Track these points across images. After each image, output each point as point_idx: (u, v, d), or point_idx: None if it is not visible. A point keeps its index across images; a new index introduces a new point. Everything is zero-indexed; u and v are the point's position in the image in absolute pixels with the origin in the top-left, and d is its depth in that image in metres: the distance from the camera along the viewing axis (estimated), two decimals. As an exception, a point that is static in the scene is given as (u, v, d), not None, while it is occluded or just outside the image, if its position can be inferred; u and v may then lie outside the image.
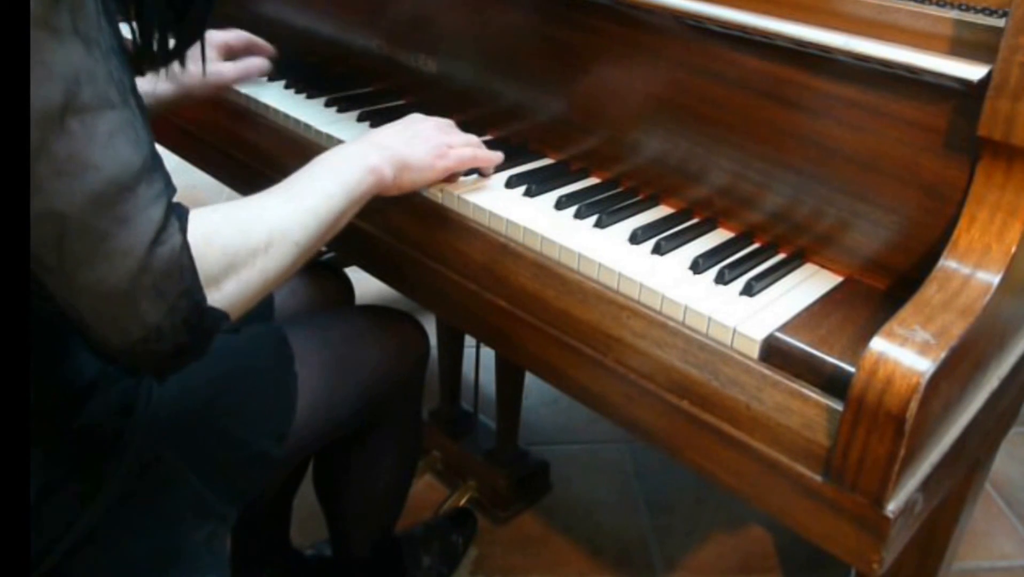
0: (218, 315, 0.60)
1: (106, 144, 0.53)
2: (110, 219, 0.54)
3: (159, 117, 1.04)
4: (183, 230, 0.57)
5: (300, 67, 1.18)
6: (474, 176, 0.90)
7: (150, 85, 0.96)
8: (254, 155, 1.08)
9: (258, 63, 1.08)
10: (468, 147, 0.88)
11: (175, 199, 0.59)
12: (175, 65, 0.72)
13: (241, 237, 0.63)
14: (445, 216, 0.87)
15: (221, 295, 0.60)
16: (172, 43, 0.69)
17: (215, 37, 1.08)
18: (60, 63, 0.51)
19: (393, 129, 0.84)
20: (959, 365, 0.62)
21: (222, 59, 1.07)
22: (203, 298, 0.59)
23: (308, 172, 0.73)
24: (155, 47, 0.67)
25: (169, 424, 0.74)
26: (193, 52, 0.73)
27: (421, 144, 0.83)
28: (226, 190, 1.21)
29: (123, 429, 0.71)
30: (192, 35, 0.71)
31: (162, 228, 0.56)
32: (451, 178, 0.88)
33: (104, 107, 0.53)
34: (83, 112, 0.52)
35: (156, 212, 0.56)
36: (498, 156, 0.91)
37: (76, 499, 0.69)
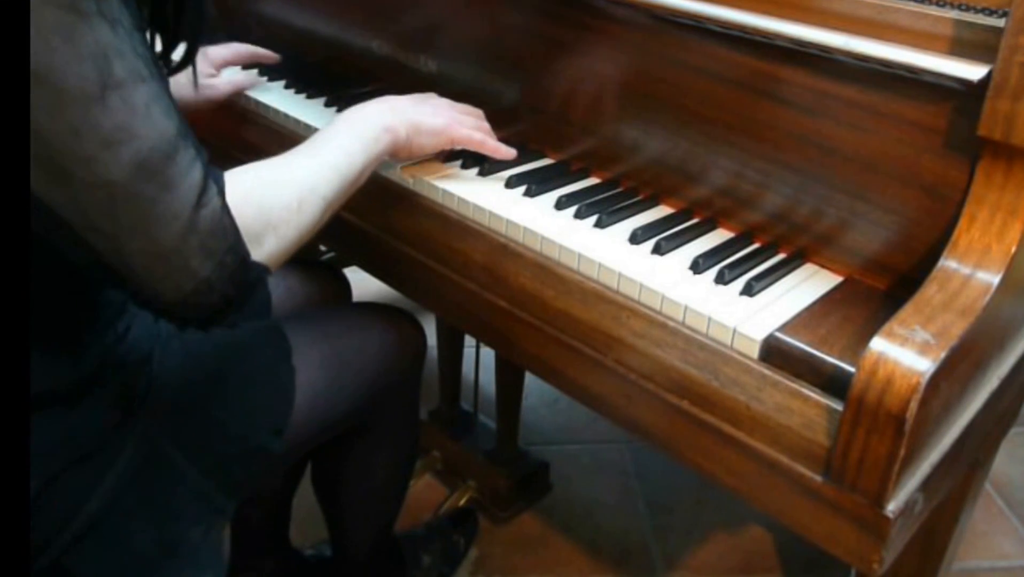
0: (260, 268, 0.66)
1: (145, 114, 0.57)
2: (156, 185, 0.57)
3: None
4: (221, 192, 0.62)
5: (300, 67, 1.18)
6: (490, 182, 0.91)
7: None
8: (255, 155, 1.08)
9: (252, 79, 1.12)
10: (479, 131, 0.92)
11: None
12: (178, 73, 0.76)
13: (276, 197, 0.68)
14: (445, 216, 0.87)
15: (263, 250, 0.66)
16: (165, 49, 0.72)
17: (213, 53, 1.10)
18: (90, 43, 0.54)
19: (409, 98, 0.90)
20: (959, 365, 0.62)
21: (216, 74, 1.09)
22: (247, 253, 0.64)
23: (330, 131, 0.79)
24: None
25: (168, 417, 0.74)
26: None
27: (433, 114, 0.88)
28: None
29: (120, 421, 0.71)
30: (185, 43, 0.73)
31: (203, 191, 0.60)
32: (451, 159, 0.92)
33: (137, 80, 0.56)
34: (120, 87, 0.55)
35: (195, 176, 0.60)
36: (509, 151, 0.93)
37: (77, 491, 0.69)
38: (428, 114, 0.88)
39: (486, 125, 0.94)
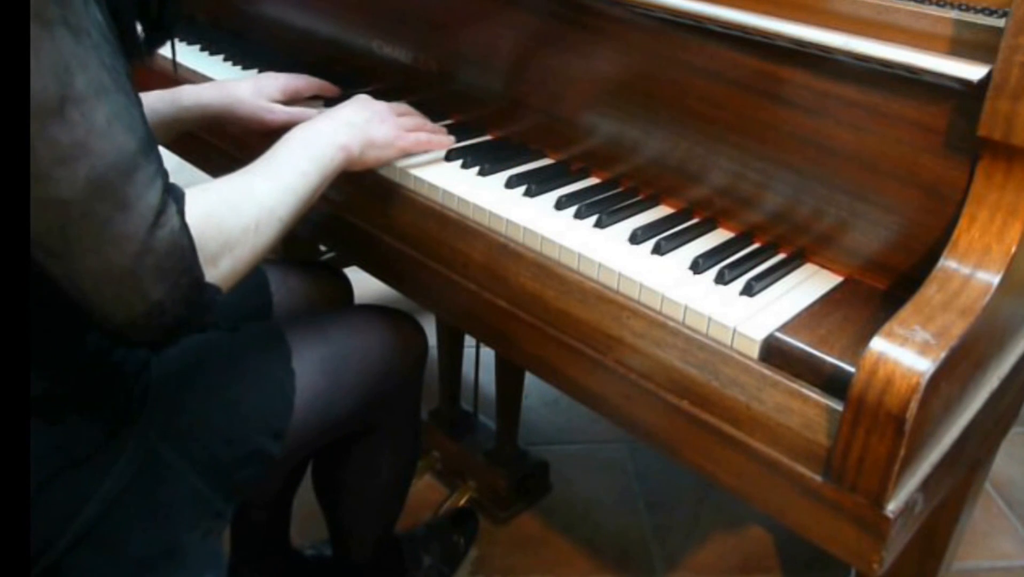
0: (213, 290, 0.64)
1: (105, 131, 0.55)
2: (111, 204, 0.56)
3: (200, 129, 1.03)
4: (180, 212, 0.60)
5: (300, 67, 1.18)
6: (427, 156, 0.94)
7: (195, 93, 0.96)
8: (254, 156, 1.08)
9: (312, 114, 1.02)
10: (423, 131, 0.94)
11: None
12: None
13: (235, 218, 0.66)
14: (445, 216, 0.87)
15: (218, 271, 0.64)
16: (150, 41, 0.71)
17: (281, 79, 1.05)
18: (51, 55, 0.52)
19: (353, 108, 0.88)
20: (959, 365, 0.62)
21: (282, 100, 1.03)
22: (202, 275, 0.62)
23: (284, 150, 0.78)
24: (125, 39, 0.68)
25: (166, 420, 0.74)
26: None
27: (380, 124, 0.88)
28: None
29: (119, 424, 0.71)
30: (162, 29, 0.72)
31: (160, 211, 0.58)
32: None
33: (100, 94, 0.55)
34: (81, 101, 0.54)
35: (154, 196, 0.58)
36: (449, 139, 0.96)
37: (74, 494, 0.69)
38: (376, 125, 0.87)
39: (426, 121, 0.96)
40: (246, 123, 1.00)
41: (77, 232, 0.55)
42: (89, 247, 0.55)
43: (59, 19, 0.52)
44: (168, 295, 0.59)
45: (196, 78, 1.17)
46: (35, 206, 0.54)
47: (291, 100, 1.05)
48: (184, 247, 0.60)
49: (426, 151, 0.93)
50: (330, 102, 1.09)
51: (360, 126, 0.85)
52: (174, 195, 0.60)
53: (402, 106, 0.96)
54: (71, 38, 0.53)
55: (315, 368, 0.85)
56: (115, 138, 0.55)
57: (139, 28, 0.70)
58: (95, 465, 0.70)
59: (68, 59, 0.53)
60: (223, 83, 1.03)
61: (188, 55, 1.24)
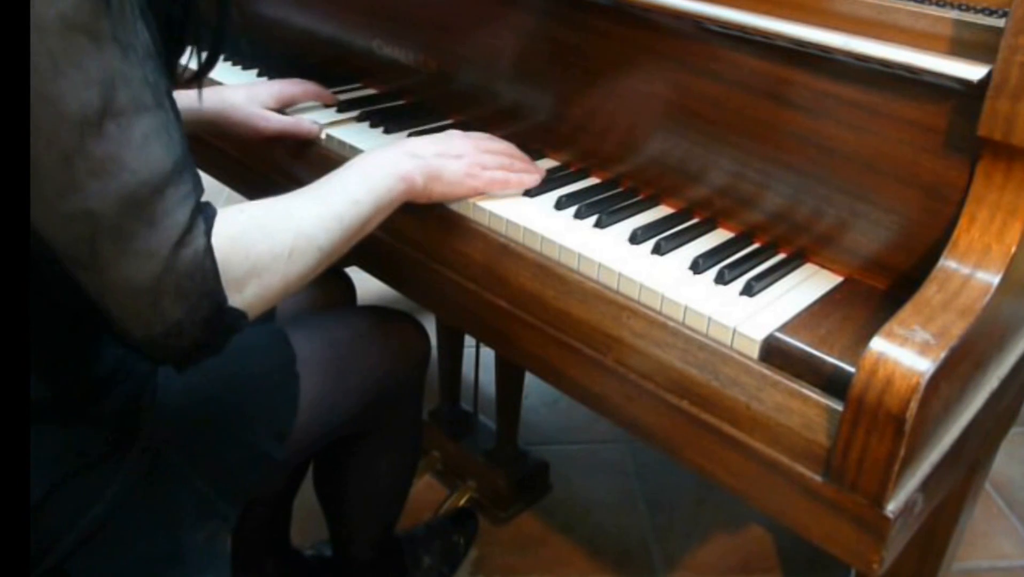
0: (237, 315, 0.62)
1: (141, 146, 0.55)
2: (139, 220, 0.55)
3: (196, 135, 1.03)
4: (207, 233, 0.59)
5: (300, 67, 1.18)
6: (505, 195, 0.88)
7: (190, 97, 0.96)
8: (255, 155, 1.08)
9: (308, 126, 1.01)
10: (501, 170, 0.87)
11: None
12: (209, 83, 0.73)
13: (267, 242, 0.64)
14: (445, 216, 0.87)
15: (242, 297, 0.62)
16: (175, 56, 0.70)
17: (275, 86, 1.05)
18: (98, 68, 0.52)
19: (429, 139, 0.85)
20: (959, 365, 0.62)
21: (276, 107, 1.03)
22: (224, 299, 0.60)
23: (339, 176, 0.75)
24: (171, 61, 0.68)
25: (172, 423, 0.74)
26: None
27: (454, 160, 0.84)
28: (226, 190, 1.21)
29: (125, 427, 0.71)
30: (207, 52, 0.72)
31: (187, 230, 0.57)
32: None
33: (140, 110, 0.55)
34: (120, 115, 0.54)
35: (182, 215, 0.57)
36: (532, 179, 0.89)
37: (80, 497, 0.69)
38: (450, 159, 0.83)
39: (516, 153, 0.90)
40: (240, 129, 0.99)
41: (104, 245, 0.55)
42: (113, 260, 0.55)
43: (109, 34, 0.52)
44: (187, 316, 0.58)
45: (196, 78, 1.17)
46: (65, 217, 0.54)
47: (286, 107, 1.05)
48: (207, 269, 0.58)
49: (503, 189, 0.87)
50: (271, 71, 1.09)
51: (427, 158, 0.82)
52: (205, 215, 0.59)
53: (491, 141, 0.90)
54: (119, 53, 0.53)
55: (319, 371, 0.85)
56: (150, 155, 0.55)
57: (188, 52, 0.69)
58: (102, 468, 0.70)
59: (113, 74, 0.53)
60: (218, 88, 1.02)
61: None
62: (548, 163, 0.97)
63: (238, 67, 1.21)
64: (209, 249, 0.59)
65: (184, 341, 0.59)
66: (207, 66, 0.73)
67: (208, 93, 0.98)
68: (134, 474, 0.71)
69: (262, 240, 0.63)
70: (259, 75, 1.18)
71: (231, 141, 1.09)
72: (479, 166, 0.86)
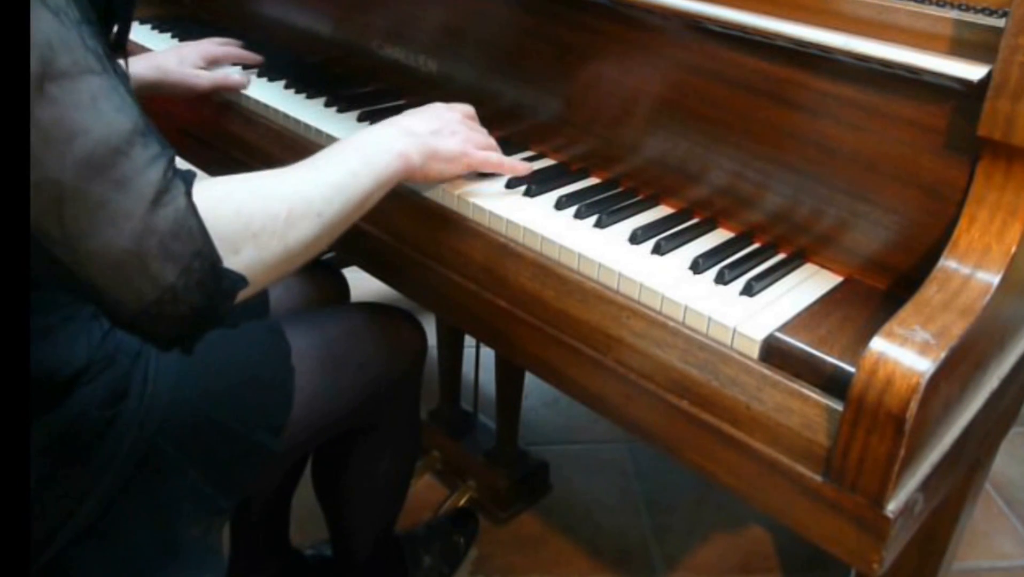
0: (235, 278, 0.60)
1: (90, 107, 0.54)
2: (106, 183, 0.54)
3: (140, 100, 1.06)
4: (188, 193, 0.57)
5: (300, 67, 1.18)
6: (490, 183, 0.89)
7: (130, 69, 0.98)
8: (255, 155, 1.08)
9: (236, 79, 1.11)
10: (492, 150, 0.88)
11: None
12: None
13: (259, 203, 0.63)
14: (445, 216, 0.87)
15: (239, 259, 0.60)
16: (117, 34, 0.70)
17: (201, 46, 1.12)
18: (31, 33, 0.51)
19: (421, 117, 0.84)
20: (959, 365, 0.62)
21: (205, 66, 1.11)
22: (218, 259, 0.58)
23: (334, 150, 0.74)
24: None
25: (165, 416, 0.74)
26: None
27: (449, 136, 0.84)
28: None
29: (114, 418, 0.71)
30: (121, 20, 0.71)
31: (163, 190, 0.56)
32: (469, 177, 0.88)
33: (83, 72, 0.53)
34: (62, 78, 0.52)
35: (154, 174, 0.56)
36: (525, 167, 0.90)
37: (73, 491, 0.69)
38: (444, 137, 0.83)
39: (492, 142, 0.90)
40: (177, 90, 1.06)
41: (73, 214, 0.53)
42: (87, 230, 0.54)
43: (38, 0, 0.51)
44: (180, 278, 0.56)
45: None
46: (31, 191, 0.52)
47: (213, 66, 1.13)
48: (192, 228, 0.57)
49: (496, 172, 0.88)
50: (271, 71, 1.16)
51: (423, 136, 0.81)
52: (181, 175, 0.58)
53: (474, 123, 0.91)
54: (51, 16, 0.52)
55: (314, 365, 0.85)
56: (101, 116, 0.54)
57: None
58: (92, 462, 0.70)
59: (50, 37, 0.52)
60: (150, 55, 1.09)
61: (188, 55, 1.24)
62: (548, 163, 0.97)
63: (238, 66, 1.21)
64: (191, 206, 0.57)
65: (181, 307, 0.57)
66: (123, 34, 0.71)
67: (142, 60, 1.04)
68: (127, 467, 0.71)
69: (252, 200, 0.62)
70: (259, 75, 1.17)
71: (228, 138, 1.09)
72: (472, 144, 0.86)
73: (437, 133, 0.83)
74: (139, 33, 1.33)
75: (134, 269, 0.55)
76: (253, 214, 0.62)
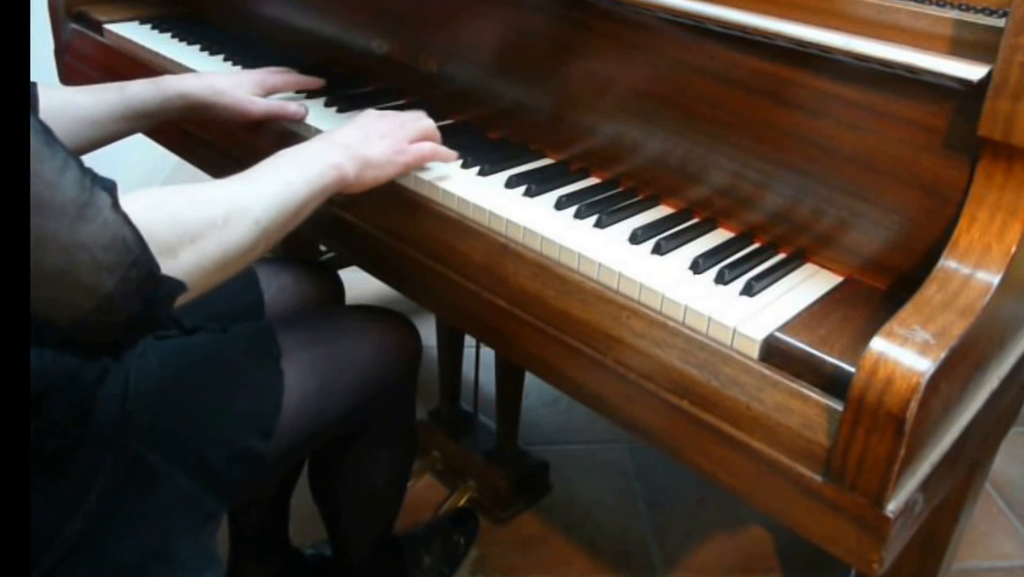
0: (174, 284, 0.60)
1: None
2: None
3: (183, 119, 1.04)
4: (115, 204, 0.57)
5: (300, 67, 1.18)
6: (436, 167, 0.91)
7: (178, 83, 0.96)
8: (255, 156, 1.08)
9: (293, 108, 1.03)
10: (426, 142, 0.90)
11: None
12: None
13: (195, 209, 0.63)
14: (445, 216, 0.87)
15: (178, 264, 0.61)
16: None
17: (260, 73, 1.06)
18: None
19: (351, 128, 0.86)
20: (959, 365, 0.62)
21: (261, 94, 1.04)
22: (156, 267, 0.59)
23: (269, 163, 0.75)
24: None
25: (150, 425, 0.73)
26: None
27: (379, 141, 0.85)
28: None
29: (84, 435, 0.70)
30: None
31: (85, 203, 0.55)
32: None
33: None
34: None
35: (69, 188, 0.54)
36: (452, 154, 0.92)
37: (57, 510, 0.68)
38: (375, 144, 0.84)
39: (430, 125, 0.91)
40: (227, 114, 1.01)
41: None
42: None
43: None
44: (118, 287, 0.56)
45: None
46: None
47: (269, 95, 1.06)
48: (125, 237, 0.56)
49: (431, 161, 0.91)
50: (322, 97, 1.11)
51: (355, 147, 0.82)
52: (102, 185, 0.57)
53: (406, 115, 0.92)
54: None
55: (305, 368, 0.84)
56: None
57: None
58: (73, 479, 0.69)
59: None
60: (205, 75, 1.03)
61: (188, 55, 1.24)
62: (548, 163, 0.97)
63: (238, 66, 1.21)
64: (122, 217, 0.57)
65: (118, 316, 0.57)
66: None
67: (195, 79, 0.99)
68: (112, 483, 0.70)
69: (189, 206, 0.63)
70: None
71: (217, 128, 1.09)
72: (404, 141, 0.87)
73: (366, 140, 0.84)
74: (139, 33, 1.33)
75: (66, 285, 0.55)
76: (190, 219, 0.62)
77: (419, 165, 0.89)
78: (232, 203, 0.66)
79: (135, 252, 0.57)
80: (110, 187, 0.58)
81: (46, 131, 0.55)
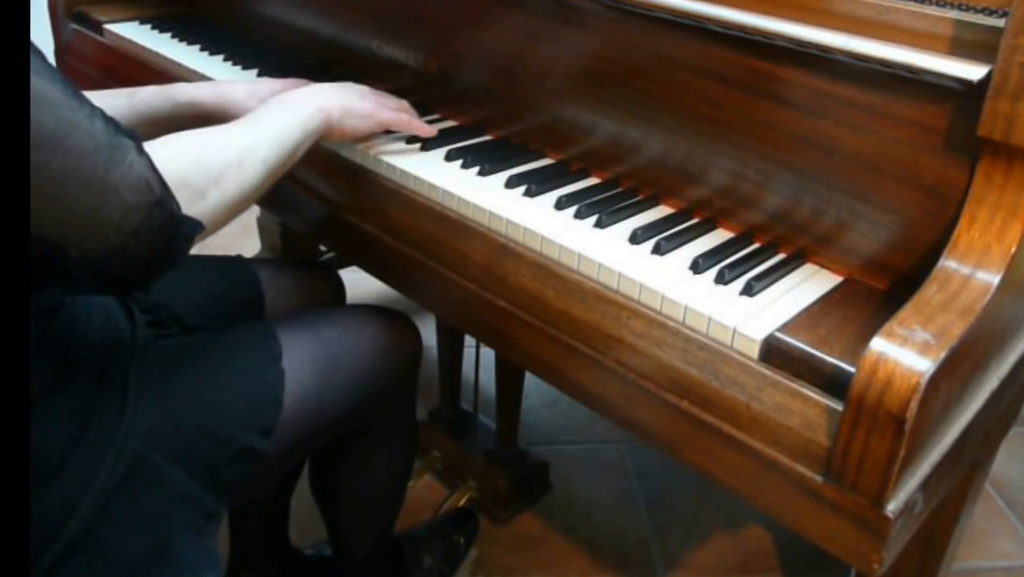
0: (193, 223, 0.67)
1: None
2: (66, 155, 0.57)
3: (194, 128, 1.03)
4: (139, 149, 0.62)
5: (300, 67, 1.18)
6: (436, 168, 0.93)
7: (190, 91, 0.96)
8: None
9: None
10: (403, 112, 0.97)
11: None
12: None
13: (215, 152, 0.71)
14: (445, 216, 0.87)
15: (206, 204, 0.68)
16: None
17: (277, 84, 1.04)
18: None
19: (333, 85, 0.93)
20: (959, 365, 0.62)
21: None
22: (177, 207, 0.65)
23: (264, 109, 0.83)
24: None
25: (151, 423, 0.73)
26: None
27: (359, 98, 0.92)
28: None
29: (81, 435, 0.70)
30: None
31: (114, 147, 0.60)
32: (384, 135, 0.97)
33: None
34: None
35: (99, 133, 0.59)
36: (432, 130, 0.98)
37: (55, 511, 0.68)
38: (355, 99, 0.91)
39: (408, 108, 0.98)
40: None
41: (38, 185, 0.56)
42: (55, 197, 0.57)
43: None
44: (143, 225, 0.62)
45: (196, 78, 1.17)
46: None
47: None
48: (148, 180, 0.62)
49: (406, 131, 0.97)
50: (272, 73, 1.11)
51: (338, 96, 0.89)
52: (126, 133, 0.62)
53: (387, 94, 0.99)
54: None
55: (306, 367, 0.84)
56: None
57: None
58: (71, 480, 0.69)
59: None
60: (218, 83, 1.02)
61: (188, 55, 1.24)
62: (548, 163, 0.97)
63: (238, 67, 1.21)
64: (145, 161, 0.62)
65: (143, 250, 0.63)
66: None
67: (208, 88, 0.99)
68: (112, 482, 0.70)
69: (208, 151, 0.70)
70: (259, 75, 1.17)
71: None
72: (382, 105, 0.94)
73: (348, 95, 0.92)
74: (139, 33, 1.33)
75: (101, 221, 0.60)
76: (213, 162, 0.70)
77: (396, 127, 0.96)
78: (243, 145, 0.74)
79: (157, 193, 0.63)
80: (132, 134, 0.63)
81: (69, 83, 0.59)
